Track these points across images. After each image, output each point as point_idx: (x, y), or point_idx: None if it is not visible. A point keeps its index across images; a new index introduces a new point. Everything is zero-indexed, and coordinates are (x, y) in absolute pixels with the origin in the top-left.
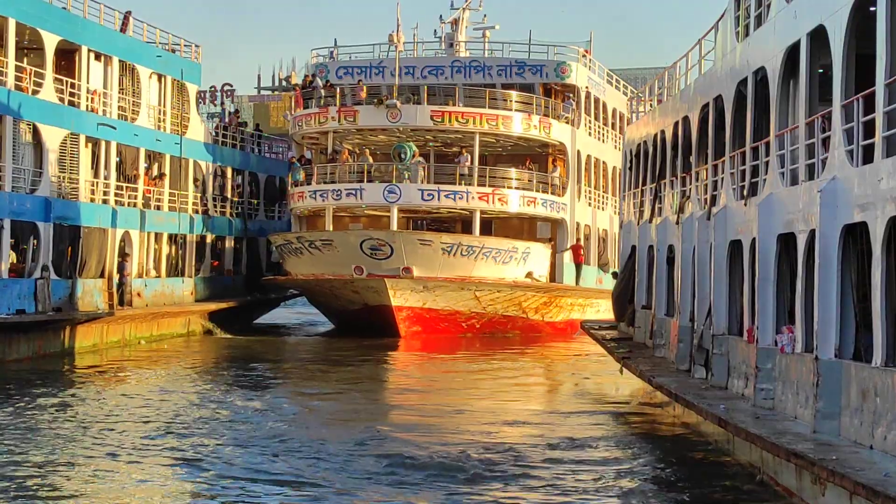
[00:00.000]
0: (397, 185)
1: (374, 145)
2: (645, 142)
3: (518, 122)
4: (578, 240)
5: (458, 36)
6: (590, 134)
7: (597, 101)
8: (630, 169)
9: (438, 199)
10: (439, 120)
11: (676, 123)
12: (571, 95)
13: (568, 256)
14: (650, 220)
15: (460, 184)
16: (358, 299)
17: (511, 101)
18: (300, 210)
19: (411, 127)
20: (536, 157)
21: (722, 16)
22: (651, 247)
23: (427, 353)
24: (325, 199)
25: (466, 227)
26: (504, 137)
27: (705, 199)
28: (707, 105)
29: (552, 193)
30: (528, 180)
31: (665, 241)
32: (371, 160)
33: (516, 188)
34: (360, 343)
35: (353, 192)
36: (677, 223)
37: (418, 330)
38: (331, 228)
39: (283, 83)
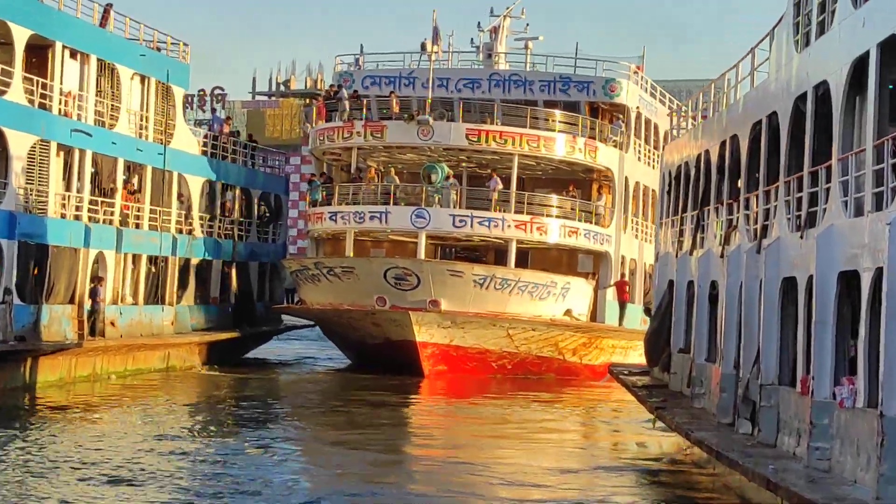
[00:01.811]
0: (426, 209)
1: (402, 164)
2: (686, 163)
3: (561, 144)
4: (623, 275)
5: (497, 46)
6: (639, 159)
7: (647, 122)
8: (668, 193)
9: (471, 225)
10: (475, 139)
11: (723, 143)
12: (620, 116)
13: (611, 294)
14: (690, 252)
15: (495, 210)
16: (379, 333)
17: (554, 120)
18: (318, 233)
19: (444, 146)
20: (580, 183)
21: (778, 22)
22: (691, 282)
23: (452, 396)
24: (346, 221)
25: (500, 258)
26: (545, 160)
27: (755, 230)
28: (759, 123)
29: (596, 224)
30: (570, 208)
31: (707, 276)
32: (398, 181)
33: (557, 217)
34: (379, 382)
35: (378, 215)
36: (722, 256)
37: (444, 369)
38: (351, 254)
39: (282, 88)
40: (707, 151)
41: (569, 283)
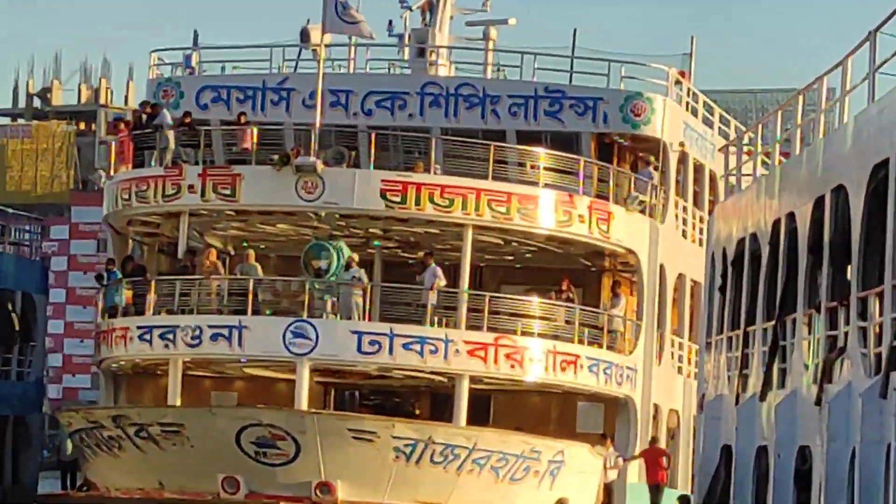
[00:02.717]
0: (310, 321)
1: (269, 243)
2: (752, 236)
3: (548, 209)
4: (656, 440)
5: (434, 35)
6: (684, 234)
7: (699, 170)
8: (721, 290)
9: (390, 351)
10: (396, 199)
11: (819, 201)
12: (652, 159)
13: (636, 471)
14: (762, 397)
15: (433, 324)
16: None
17: (536, 166)
18: (119, 363)
19: (342, 210)
20: (581, 277)
21: None
22: (763, 449)
23: None
24: (169, 343)
25: (441, 409)
26: (520, 236)
27: (878, 356)
28: (884, 165)
29: (610, 348)
30: (566, 321)
31: (792, 440)
32: (260, 271)
33: (541, 335)
34: None
35: (225, 332)
36: (818, 403)
37: None
38: (178, 402)
39: (38, 103)
40: (790, 217)
41: (562, 453)
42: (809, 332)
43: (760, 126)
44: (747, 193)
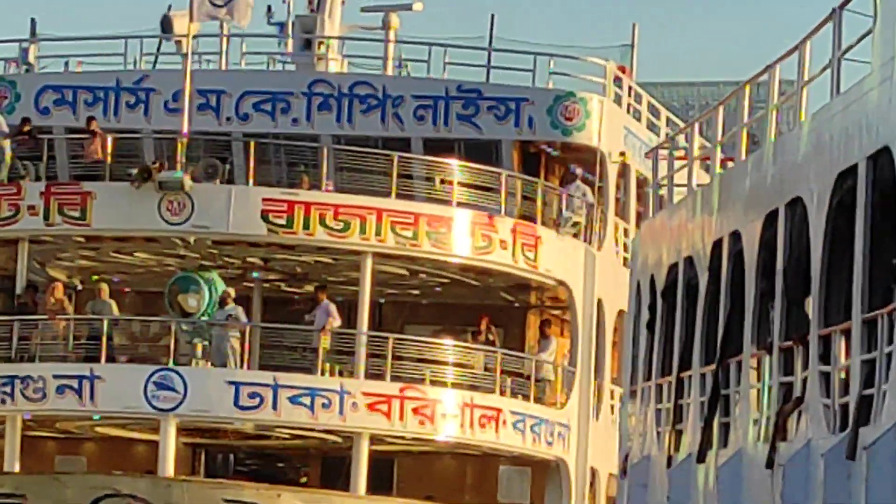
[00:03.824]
0: (177, 370)
1: (126, 276)
2: (688, 260)
3: (463, 233)
4: None
5: (323, 23)
6: (626, 262)
7: (643, 185)
8: (649, 327)
9: (273, 405)
10: (280, 222)
11: (770, 217)
12: (583, 175)
13: None
14: (699, 458)
15: (326, 373)
16: None
17: (448, 181)
18: None
19: (215, 236)
20: (503, 315)
21: None
22: None
23: None
24: (6, 398)
25: (334, 474)
26: (430, 266)
27: (843, 408)
28: (851, 172)
29: (538, 401)
30: (486, 369)
31: None
32: (116, 309)
33: (454, 385)
34: None
35: (73, 384)
36: (770, 466)
37: None
38: (17, 468)
39: None
40: (735, 236)
41: None
42: (758, 379)
43: (698, 124)
44: (681, 208)
